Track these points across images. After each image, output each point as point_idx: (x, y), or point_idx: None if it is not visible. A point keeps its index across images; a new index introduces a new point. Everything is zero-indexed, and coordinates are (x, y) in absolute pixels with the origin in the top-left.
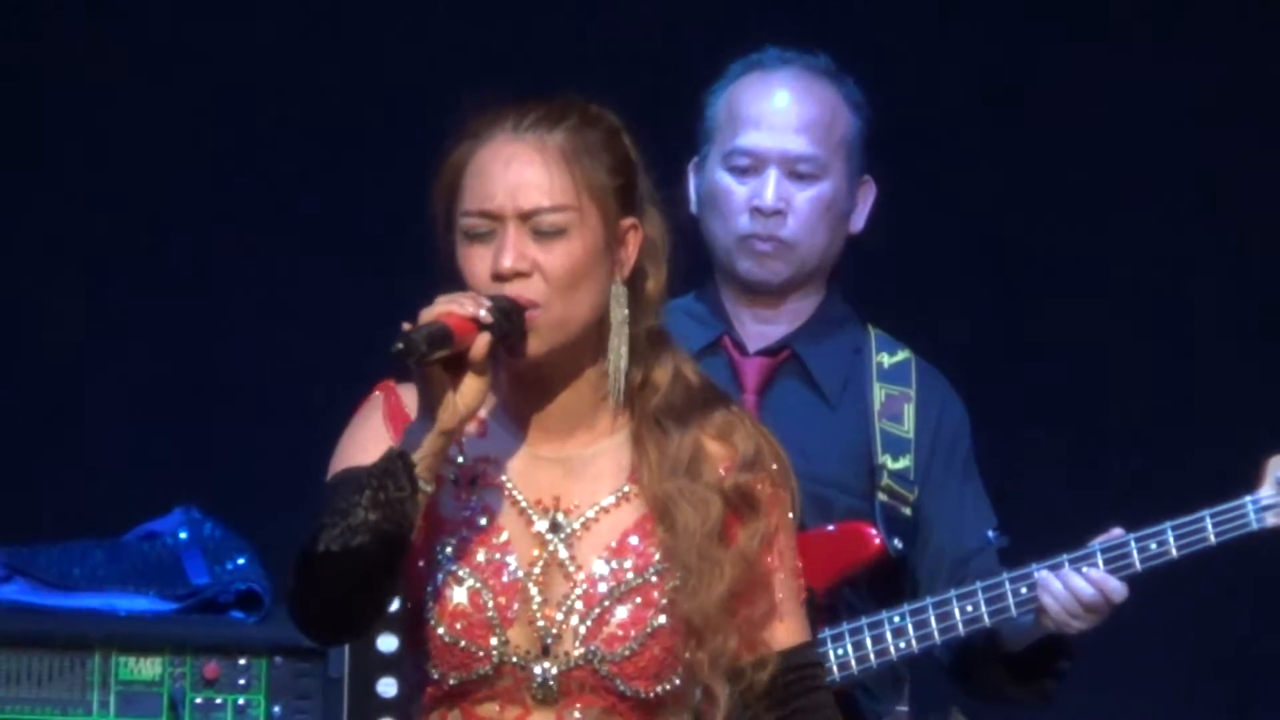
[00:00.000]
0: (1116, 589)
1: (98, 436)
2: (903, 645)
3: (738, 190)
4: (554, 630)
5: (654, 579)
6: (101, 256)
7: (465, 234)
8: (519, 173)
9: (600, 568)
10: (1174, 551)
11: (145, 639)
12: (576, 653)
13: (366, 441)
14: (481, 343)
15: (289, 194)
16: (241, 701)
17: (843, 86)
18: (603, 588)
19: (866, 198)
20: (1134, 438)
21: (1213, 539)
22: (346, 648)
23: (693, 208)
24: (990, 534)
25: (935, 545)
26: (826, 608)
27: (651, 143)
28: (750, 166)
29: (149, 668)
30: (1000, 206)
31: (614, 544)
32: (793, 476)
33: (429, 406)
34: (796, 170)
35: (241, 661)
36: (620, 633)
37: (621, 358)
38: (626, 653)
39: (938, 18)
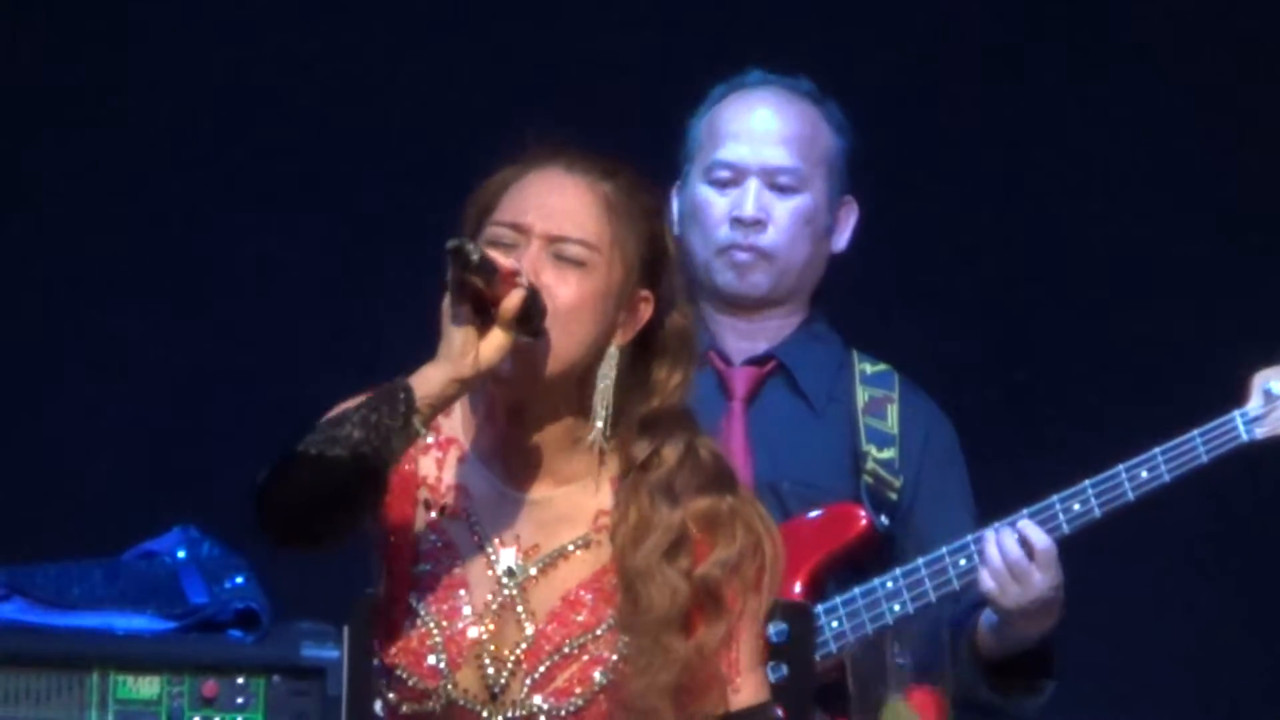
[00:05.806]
0: (1041, 540)
1: (96, 455)
2: (897, 609)
3: (718, 202)
4: (501, 679)
5: (604, 636)
6: (101, 270)
7: (488, 241)
8: (558, 201)
9: (552, 620)
10: (1166, 475)
11: (143, 658)
12: (524, 703)
13: None
14: (515, 297)
15: (291, 209)
16: None
17: (824, 107)
18: (553, 641)
19: (848, 218)
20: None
21: (1204, 457)
22: (345, 666)
23: (675, 228)
24: None
25: None
26: (812, 588)
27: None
28: (730, 179)
29: (147, 687)
30: (994, 216)
31: (569, 596)
32: (776, 571)
33: (447, 351)
34: (776, 182)
35: (240, 680)
36: (567, 687)
37: (605, 412)
38: (572, 708)
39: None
